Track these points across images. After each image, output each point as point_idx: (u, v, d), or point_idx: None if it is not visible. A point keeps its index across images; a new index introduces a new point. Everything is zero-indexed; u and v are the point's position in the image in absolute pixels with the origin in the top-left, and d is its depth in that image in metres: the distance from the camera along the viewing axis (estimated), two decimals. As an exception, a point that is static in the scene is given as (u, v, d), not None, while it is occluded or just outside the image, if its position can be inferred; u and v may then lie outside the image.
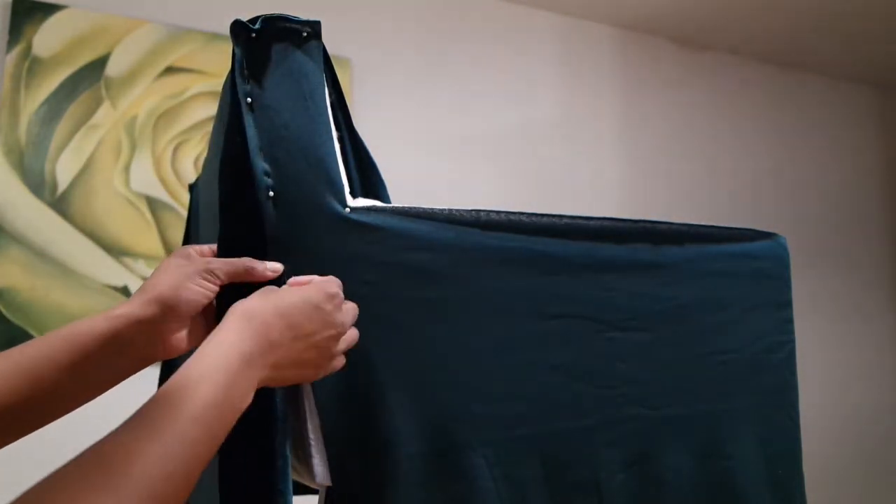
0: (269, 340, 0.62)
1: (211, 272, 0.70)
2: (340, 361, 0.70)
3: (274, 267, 0.72)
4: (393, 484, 0.73)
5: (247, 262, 0.71)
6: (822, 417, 2.77)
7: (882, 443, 3.00)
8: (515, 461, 0.79)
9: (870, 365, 3.05)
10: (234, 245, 0.74)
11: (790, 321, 1.01)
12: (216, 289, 0.71)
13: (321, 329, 0.67)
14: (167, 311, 0.68)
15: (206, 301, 0.70)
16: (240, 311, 0.64)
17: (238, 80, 0.75)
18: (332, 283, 0.70)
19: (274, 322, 0.63)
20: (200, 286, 0.69)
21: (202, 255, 0.74)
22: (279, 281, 0.72)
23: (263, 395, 0.72)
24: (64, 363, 0.65)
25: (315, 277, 0.71)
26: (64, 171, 1.93)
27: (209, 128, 2.07)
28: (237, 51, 0.75)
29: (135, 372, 0.70)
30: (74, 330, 0.66)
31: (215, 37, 2.15)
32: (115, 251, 1.94)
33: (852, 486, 2.86)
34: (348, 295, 0.73)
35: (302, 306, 0.66)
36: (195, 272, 0.70)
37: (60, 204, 1.91)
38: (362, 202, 0.78)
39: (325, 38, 0.80)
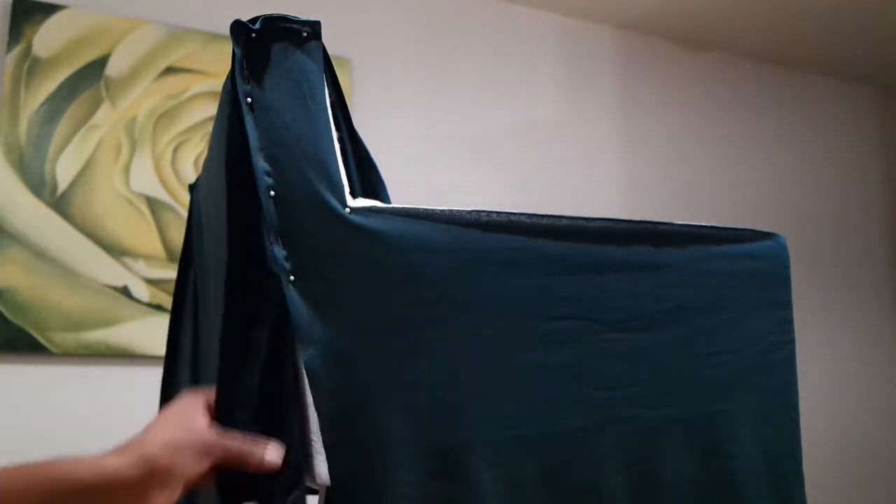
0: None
1: (208, 454, 0.69)
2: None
3: (271, 461, 0.70)
4: (392, 484, 0.73)
5: (244, 453, 0.70)
6: (823, 417, 2.77)
7: (882, 443, 3.00)
8: (515, 462, 0.79)
9: (870, 365, 3.05)
10: (239, 244, 0.74)
11: (790, 321, 1.01)
12: (207, 468, 0.69)
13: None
14: (157, 478, 0.66)
15: (196, 478, 0.69)
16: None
17: (238, 81, 0.75)
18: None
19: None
20: (196, 462, 0.68)
21: (209, 403, 0.73)
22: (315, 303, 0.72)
23: (278, 394, 0.72)
24: (38, 501, 0.62)
25: None
26: (64, 171, 1.93)
27: (209, 128, 2.07)
28: (237, 51, 0.75)
29: None
30: (60, 472, 0.64)
31: (215, 37, 2.15)
32: (115, 251, 1.94)
33: (852, 486, 2.86)
34: (348, 295, 0.73)
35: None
36: (193, 446, 0.68)
37: (60, 204, 1.91)
38: (362, 202, 0.78)
39: (325, 38, 0.80)
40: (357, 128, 0.97)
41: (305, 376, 0.73)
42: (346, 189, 0.77)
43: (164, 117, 2.05)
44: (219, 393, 0.74)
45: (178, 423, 0.70)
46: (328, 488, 0.73)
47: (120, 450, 0.67)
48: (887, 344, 3.11)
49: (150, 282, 1.96)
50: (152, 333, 1.92)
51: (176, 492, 0.69)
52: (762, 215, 2.89)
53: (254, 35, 0.75)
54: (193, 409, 0.71)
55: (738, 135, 2.96)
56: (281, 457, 0.71)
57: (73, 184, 1.93)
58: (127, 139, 2.01)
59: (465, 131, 2.48)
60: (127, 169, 1.99)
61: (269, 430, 0.73)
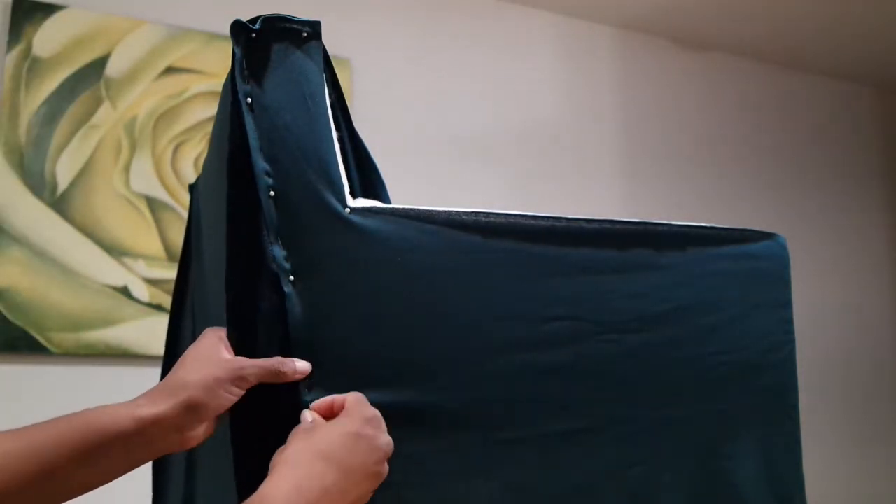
0: (321, 488, 0.61)
1: (242, 378, 0.69)
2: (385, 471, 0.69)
3: (303, 368, 0.71)
4: (391, 482, 0.73)
5: (277, 365, 0.70)
6: (823, 418, 2.77)
7: (882, 442, 3.00)
8: (513, 462, 0.79)
9: (870, 363, 3.05)
10: (239, 244, 0.74)
11: (790, 321, 1.01)
12: (243, 393, 0.70)
13: (368, 457, 0.66)
14: (194, 414, 0.68)
15: (231, 405, 0.70)
16: (282, 461, 0.63)
17: (238, 81, 0.75)
18: (365, 406, 0.69)
19: (319, 468, 0.62)
20: (230, 392, 0.69)
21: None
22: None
23: (291, 393, 0.72)
24: (77, 454, 0.64)
25: (345, 400, 0.69)
26: (64, 171, 1.93)
27: (209, 128, 2.07)
28: (237, 51, 0.75)
29: (146, 462, 0.70)
30: (94, 422, 0.66)
31: (215, 37, 2.15)
32: (115, 251, 1.94)
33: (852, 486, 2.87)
34: (347, 295, 0.73)
35: (343, 441, 0.65)
36: (227, 377, 0.69)
37: (60, 204, 1.91)
38: (362, 202, 0.78)
39: (325, 38, 0.80)
40: (357, 128, 0.97)
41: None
42: (346, 189, 0.77)
43: (164, 117, 2.05)
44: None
45: (205, 360, 0.71)
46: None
47: (154, 395, 0.69)
48: (887, 343, 3.11)
49: (150, 282, 1.96)
50: (152, 333, 1.92)
51: (211, 423, 0.70)
52: (762, 215, 2.89)
53: (254, 35, 0.75)
54: (216, 345, 0.73)
55: (738, 134, 2.96)
56: (310, 369, 0.71)
57: (73, 184, 1.93)
58: (127, 139, 2.01)
59: (466, 131, 2.48)
60: (127, 169, 1.99)
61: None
